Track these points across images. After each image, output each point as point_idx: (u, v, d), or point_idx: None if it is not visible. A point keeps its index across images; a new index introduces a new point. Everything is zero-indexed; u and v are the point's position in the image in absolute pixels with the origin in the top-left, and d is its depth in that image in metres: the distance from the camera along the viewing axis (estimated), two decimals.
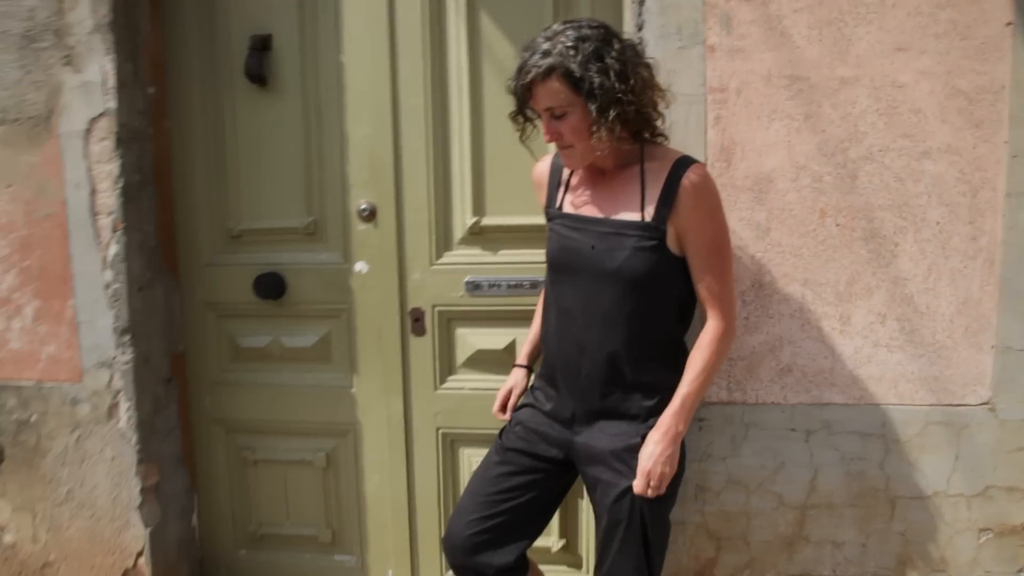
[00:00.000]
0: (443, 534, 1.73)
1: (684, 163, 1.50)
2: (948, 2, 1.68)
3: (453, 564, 1.71)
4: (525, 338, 1.86)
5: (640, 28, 1.74)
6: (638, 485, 1.49)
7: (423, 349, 2.11)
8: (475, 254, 2.05)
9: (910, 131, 1.71)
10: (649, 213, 1.50)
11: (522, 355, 1.84)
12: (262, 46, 2.05)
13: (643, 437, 1.53)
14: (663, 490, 1.50)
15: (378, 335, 2.12)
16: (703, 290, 1.53)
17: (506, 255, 2.04)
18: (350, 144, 2.07)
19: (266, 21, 2.07)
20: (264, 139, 2.11)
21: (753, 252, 1.77)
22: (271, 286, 2.14)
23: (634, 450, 1.52)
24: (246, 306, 2.18)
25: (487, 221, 2.03)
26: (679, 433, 1.51)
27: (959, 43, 1.69)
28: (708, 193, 1.48)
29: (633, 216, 1.51)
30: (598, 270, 1.53)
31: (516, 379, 1.82)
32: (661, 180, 1.50)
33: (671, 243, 1.50)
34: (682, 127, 1.74)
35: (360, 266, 2.11)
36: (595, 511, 1.63)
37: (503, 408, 1.80)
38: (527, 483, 1.66)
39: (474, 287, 2.04)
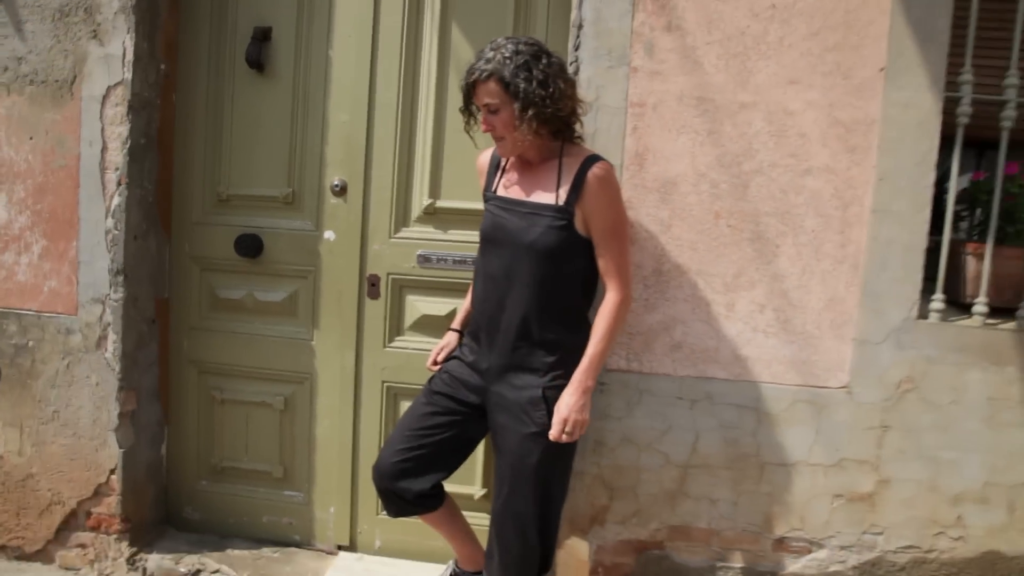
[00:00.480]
0: (374, 463, 2.05)
1: (592, 160, 1.85)
2: (834, 47, 2.05)
3: (379, 488, 2.03)
4: (461, 307, 2.19)
5: (577, 48, 2.11)
6: (554, 431, 1.82)
7: (376, 311, 2.45)
8: (428, 231, 2.41)
9: (796, 151, 2.07)
10: (561, 198, 1.84)
11: (456, 321, 2.18)
12: (263, 37, 2.42)
13: (543, 390, 1.86)
14: (576, 436, 1.83)
15: (339, 296, 2.46)
16: (603, 265, 1.87)
17: (454, 234, 2.39)
18: (330, 128, 2.42)
19: (268, 15, 2.43)
20: (256, 117, 2.47)
21: (656, 244, 2.12)
22: (250, 246, 2.48)
23: (535, 402, 1.86)
24: (226, 262, 2.52)
25: (441, 203, 2.39)
26: (588, 387, 1.85)
27: (841, 81, 2.06)
28: (608, 185, 1.83)
29: (548, 200, 1.86)
30: (517, 243, 1.87)
31: (449, 340, 2.15)
32: (573, 172, 1.85)
33: (578, 225, 1.85)
34: (605, 133, 2.10)
35: (328, 234, 2.45)
36: (495, 450, 1.96)
37: (435, 363, 2.14)
38: (447, 423, 1.99)
39: (425, 260, 2.39)
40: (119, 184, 2.34)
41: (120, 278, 2.36)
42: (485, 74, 1.80)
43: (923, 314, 2.10)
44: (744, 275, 2.11)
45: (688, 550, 2.20)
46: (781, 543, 2.18)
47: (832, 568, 2.17)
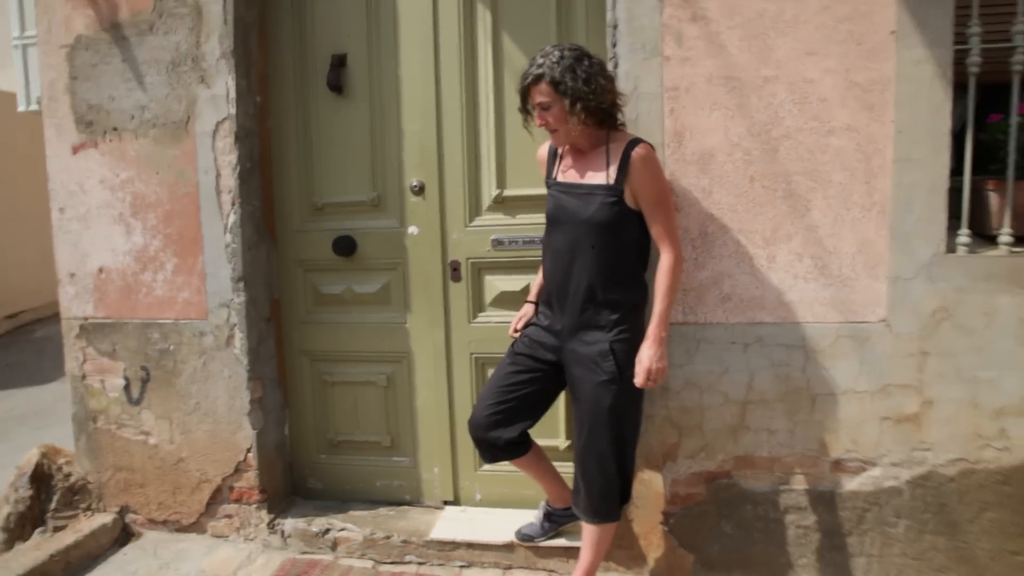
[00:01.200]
0: (469, 417, 2.48)
1: (635, 142, 2.22)
2: (847, 17, 2.36)
3: (475, 438, 2.47)
4: (534, 282, 2.59)
5: (615, 45, 2.48)
6: (639, 379, 2.21)
7: (460, 292, 2.88)
8: (499, 218, 2.83)
9: (818, 115, 2.40)
10: (611, 177, 2.23)
11: (531, 294, 2.58)
12: (340, 63, 2.87)
13: (610, 343, 2.25)
14: (659, 381, 2.22)
15: (426, 282, 2.91)
16: (655, 231, 2.24)
17: (522, 218, 2.80)
18: (404, 136, 2.86)
19: (342, 43, 2.89)
20: (340, 134, 2.93)
21: (699, 209, 2.48)
22: (345, 246, 2.95)
23: (604, 354, 2.25)
24: (326, 262, 3.00)
25: (508, 193, 2.80)
26: (662, 339, 2.23)
27: (855, 48, 2.36)
28: (649, 162, 2.20)
29: (600, 180, 2.24)
30: (578, 219, 2.26)
31: (526, 310, 2.56)
32: (619, 154, 2.23)
33: (628, 199, 2.23)
34: (646, 117, 2.47)
35: (412, 229, 2.90)
36: (574, 400, 2.36)
37: (515, 331, 2.55)
38: (529, 379, 2.41)
39: (498, 243, 2.80)
40: (233, 204, 2.83)
41: (241, 284, 2.86)
42: (536, 77, 2.20)
43: (951, 249, 2.39)
44: (781, 229, 2.44)
45: (753, 477, 2.56)
46: (838, 464, 2.51)
47: (887, 484, 2.49)
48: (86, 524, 3.08)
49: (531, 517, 2.77)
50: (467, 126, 2.80)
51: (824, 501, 2.53)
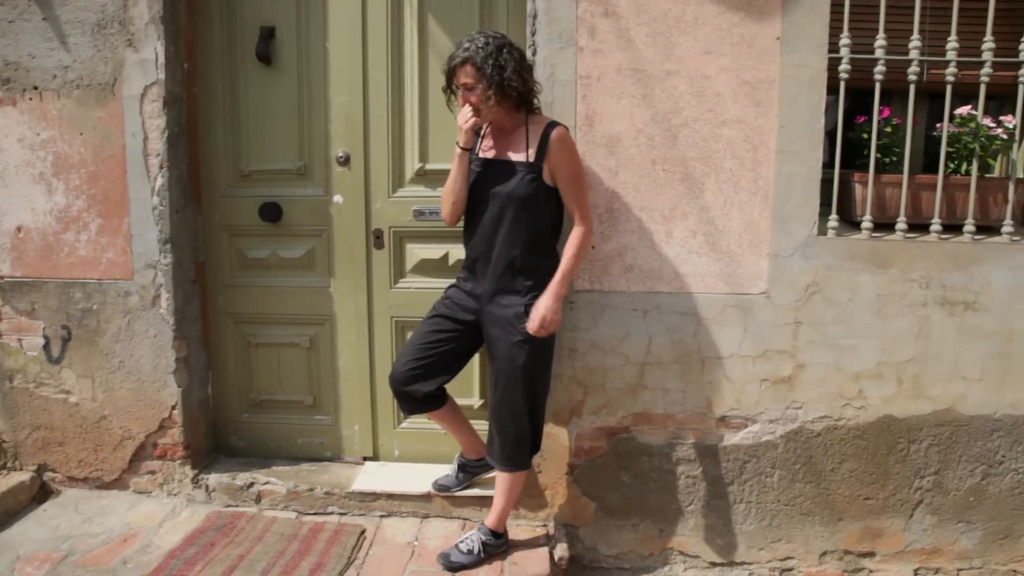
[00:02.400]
0: (390, 372, 2.76)
1: (553, 125, 2.53)
2: (739, 22, 2.72)
3: (395, 391, 2.76)
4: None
5: (534, 34, 2.77)
6: (532, 326, 2.53)
7: (382, 259, 3.14)
8: (420, 190, 3.09)
9: (713, 107, 2.76)
10: (531, 156, 2.53)
11: None
12: (268, 35, 3.05)
13: (525, 307, 2.56)
14: (550, 331, 2.54)
15: (349, 249, 3.14)
16: (569, 205, 2.57)
17: (442, 191, 3.04)
18: (331, 108, 3.08)
19: (271, 15, 3.07)
20: (268, 103, 3.12)
21: (607, 188, 2.81)
22: (271, 212, 3.15)
23: (519, 316, 2.57)
24: (252, 227, 3.19)
25: (430, 166, 3.06)
26: (560, 294, 2.55)
27: (746, 49, 2.73)
28: (566, 143, 2.52)
29: (521, 158, 2.54)
30: (499, 194, 2.56)
31: None
32: (539, 135, 2.53)
33: (546, 176, 2.54)
34: (560, 102, 2.78)
35: (337, 198, 3.12)
36: (490, 358, 2.67)
37: None
38: (448, 338, 2.70)
39: (419, 214, 3.07)
40: (161, 167, 2.98)
41: (168, 246, 3.02)
42: (462, 60, 2.47)
43: (822, 231, 2.82)
44: (678, 208, 2.80)
45: (649, 432, 2.94)
46: (723, 421, 2.92)
47: (764, 438, 2.92)
48: (2, 482, 3.19)
49: (447, 470, 3.07)
50: (392, 101, 3.04)
51: (711, 454, 2.94)
